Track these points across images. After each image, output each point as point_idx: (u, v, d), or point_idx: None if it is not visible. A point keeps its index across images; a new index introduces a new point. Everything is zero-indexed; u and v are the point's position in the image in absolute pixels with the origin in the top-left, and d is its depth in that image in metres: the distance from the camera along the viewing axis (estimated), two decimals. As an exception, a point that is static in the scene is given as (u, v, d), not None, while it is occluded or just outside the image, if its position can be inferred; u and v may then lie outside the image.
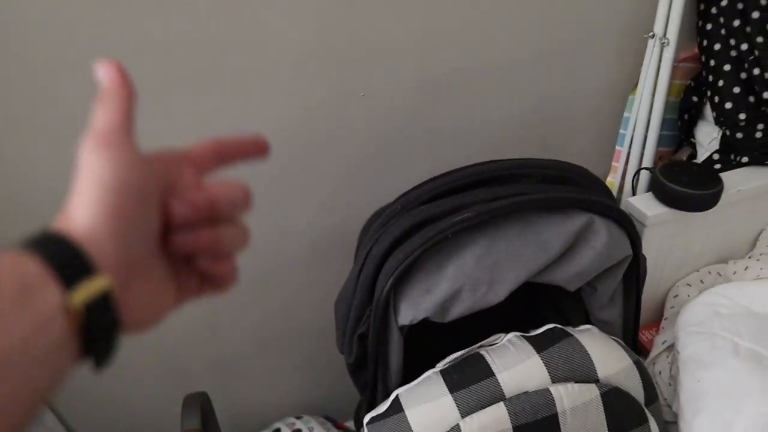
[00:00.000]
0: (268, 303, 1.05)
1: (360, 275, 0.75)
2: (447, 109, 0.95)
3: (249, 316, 1.05)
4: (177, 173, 0.34)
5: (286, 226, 0.98)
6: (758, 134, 0.90)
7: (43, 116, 0.77)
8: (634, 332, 0.88)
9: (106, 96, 0.32)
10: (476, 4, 0.87)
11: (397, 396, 0.74)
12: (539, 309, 0.93)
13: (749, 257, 0.97)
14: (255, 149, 0.40)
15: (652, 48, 0.93)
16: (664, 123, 1.04)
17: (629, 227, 0.77)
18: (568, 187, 0.78)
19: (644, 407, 0.75)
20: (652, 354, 0.92)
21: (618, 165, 1.05)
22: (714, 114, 0.94)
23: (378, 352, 0.77)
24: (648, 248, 0.87)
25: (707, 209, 0.82)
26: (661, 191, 0.83)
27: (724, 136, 0.94)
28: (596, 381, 0.73)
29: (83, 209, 0.29)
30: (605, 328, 0.85)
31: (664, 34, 0.92)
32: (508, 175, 0.78)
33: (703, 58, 0.94)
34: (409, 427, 0.71)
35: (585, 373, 0.73)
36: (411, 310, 0.72)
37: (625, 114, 1.02)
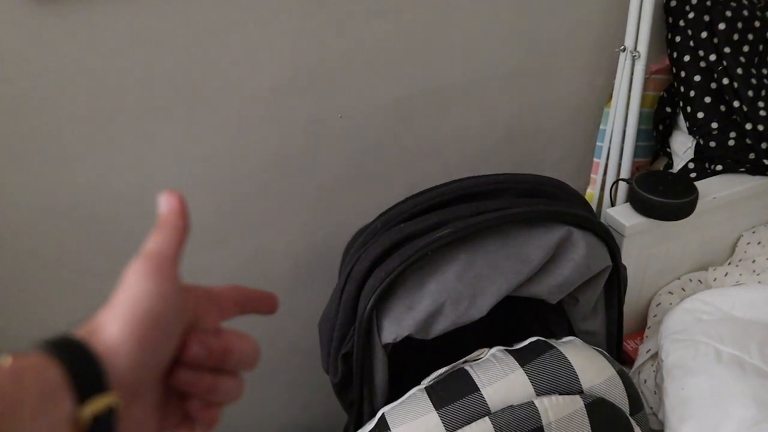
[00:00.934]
0: (252, 322, 1.04)
1: (342, 295, 0.75)
2: (423, 127, 0.96)
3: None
4: (204, 312, 0.35)
5: (268, 246, 0.98)
6: (731, 142, 0.92)
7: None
8: (618, 342, 0.89)
9: (165, 223, 0.34)
10: (448, 24, 0.89)
11: (383, 414, 0.74)
12: (523, 322, 0.94)
13: (728, 263, 0.98)
14: (266, 305, 0.41)
15: (623, 61, 0.95)
16: (640, 134, 1.06)
17: (608, 238, 0.78)
18: (546, 201, 0.79)
19: (629, 417, 0.75)
20: (637, 363, 0.92)
21: (596, 177, 1.06)
22: (687, 124, 0.96)
23: (363, 371, 0.77)
24: (628, 258, 0.88)
25: (684, 218, 0.84)
26: (638, 201, 0.84)
27: (698, 145, 0.95)
28: (580, 392, 0.73)
29: (114, 325, 0.30)
30: (589, 338, 0.86)
31: (635, 47, 0.94)
32: (487, 190, 0.79)
33: (674, 70, 0.96)
34: (396, 445, 0.71)
35: (569, 385, 0.73)
36: (394, 327, 0.73)
37: (601, 126, 1.03)
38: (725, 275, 0.94)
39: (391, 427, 0.72)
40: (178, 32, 0.76)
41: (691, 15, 0.92)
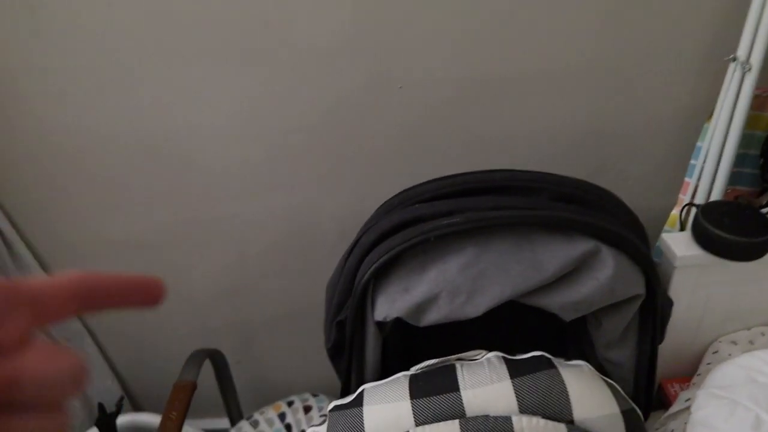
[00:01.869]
0: (295, 278, 1.07)
1: (346, 262, 0.75)
2: (489, 114, 0.91)
3: (275, 287, 1.08)
4: (3, 314, 0.23)
5: (314, 205, 0.99)
6: None
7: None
8: (649, 381, 0.79)
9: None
10: (535, 3, 0.83)
11: (362, 390, 0.73)
12: (550, 338, 0.87)
13: (818, 326, 0.83)
14: (143, 296, 0.29)
15: (732, 72, 0.83)
16: (747, 159, 0.92)
17: (644, 263, 0.69)
18: (580, 209, 0.71)
19: (623, 463, 0.67)
20: (672, 410, 0.82)
21: (684, 198, 0.94)
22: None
23: (353, 343, 0.76)
24: (679, 291, 0.78)
25: (750, 260, 0.72)
26: (699, 232, 0.74)
27: (806, 182, 0.81)
28: (570, 422, 0.67)
29: None
30: (613, 369, 0.78)
31: (747, 59, 0.81)
32: (518, 186, 0.73)
33: (798, 92, 0.82)
34: (362, 423, 0.69)
35: (558, 411, 0.67)
36: (387, 306, 0.71)
37: (698, 143, 0.91)
38: (806, 338, 0.80)
39: (364, 403, 0.71)
40: (242, -19, 0.78)
41: (825, 28, 0.77)
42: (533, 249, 0.69)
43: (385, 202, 0.78)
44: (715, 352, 0.84)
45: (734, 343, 0.84)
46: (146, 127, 0.91)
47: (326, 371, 1.22)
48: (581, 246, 0.68)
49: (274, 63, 0.85)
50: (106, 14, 0.80)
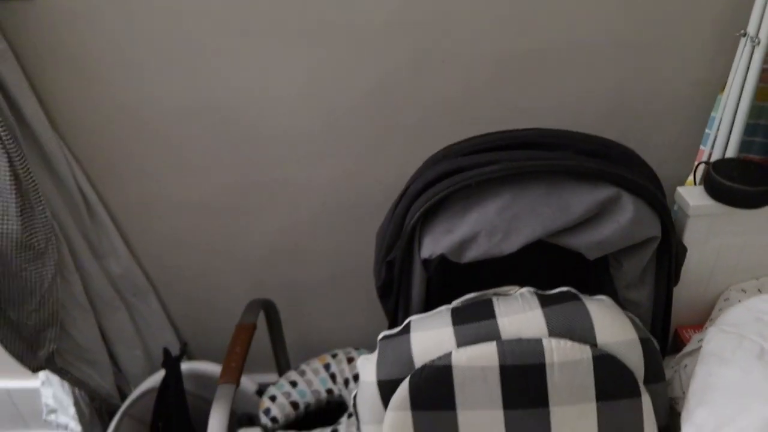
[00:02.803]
0: (341, 240, 1.18)
1: (396, 209, 0.85)
2: (522, 88, 1.01)
3: (327, 247, 1.19)
4: None
5: (364, 174, 1.10)
6: None
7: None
8: (665, 319, 0.88)
9: None
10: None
11: (409, 321, 0.83)
12: (573, 281, 0.96)
13: (824, 277, 0.91)
14: None
15: (743, 47, 0.92)
16: (759, 129, 1.01)
17: (660, 208, 0.79)
18: (603, 161, 0.81)
19: (640, 383, 0.76)
20: (686, 349, 0.91)
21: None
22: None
23: (401, 281, 0.86)
24: (693, 241, 0.87)
25: (756, 207, 0.80)
26: (710, 184, 0.83)
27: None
28: (594, 345, 0.76)
29: None
30: (633, 309, 0.87)
31: (757, 34, 0.90)
32: (549, 142, 0.83)
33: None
34: (410, 346, 0.79)
35: (583, 335, 0.76)
36: (432, 245, 0.81)
37: (712, 114, 1.00)
38: (810, 285, 0.89)
39: (411, 331, 0.81)
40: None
41: (827, 4, 0.86)
42: (561, 194, 0.79)
43: (430, 156, 0.88)
44: (726, 299, 0.93)
45: (743, 291, 0.92)
46: (213, 98, 1.02)
47: (367, 330, 1.32)
48: (604, 192, 0.78)
49: (333, 41, 0.96)
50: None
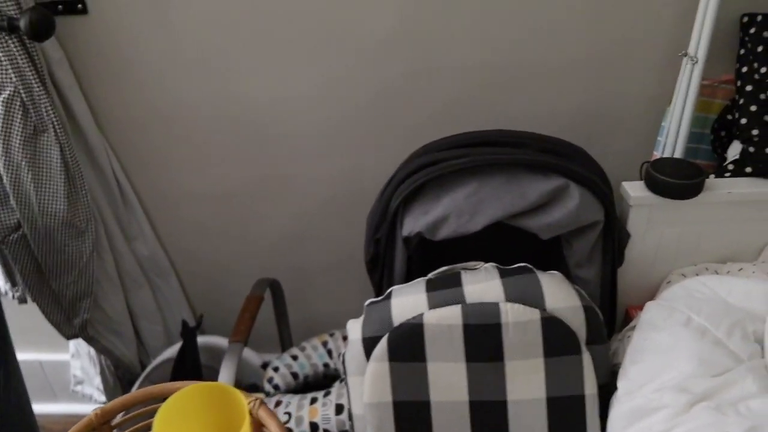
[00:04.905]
0: (343, 230, 1.34)
1: (383, 194, 1.01)
2: (501, 96, 1.17)
3: (330, 236, 1.35)
4: None
5: (365, 170, 1.26)
6: (768, 150, 1.00)
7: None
8: (612, 294, 1.02)
9: None
10: (531, 6, 1.09)
11: (391, 290, 0.98)
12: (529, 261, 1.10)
13: (753, 264, 1.05)
14: None
15: (684, 65, 1.07)
16: (703, 138, 1.16)
17: (602, 196, 0.93)
18: (556, 157, 0.96)
19: (582, 343, 0.90)
20: (631, 324, 1.05)
21: (653, 168, 1.18)
22: (736, 130, 1.05)
23: (386, 256, 1.01)
24: (636, 229, 1.01)
25: (686, 198, 0.95)
26: (648, 179, 0.98)
27: (742, 150, 1.04)
28: (543, 309, 0.90)
29: None
30: (583, 285, 1.01)
31: (695, 53, 1.05)
32: (511, 141, 0.99)
33: (736, 80, 1.06)
34: (390, 309, 0.94)
35: (534, 301, 0.91)
36: (411, 224, 0.96)
37: (663, 123, 1.15)
38: (739, 270, 1.02)
39: (392, 297, 0.96)
40: (313, -11, 1.07)
41: (752, 30, 1.01)
42: (519, 183, 0.94)
43: (413, 152, 1.04)
44: (668, 282, 1.07)
45: (683, 275, 1.06)
46: (234, 101, 1.19)
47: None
48: (555, 182, 0.93)
49: (340, 52, 1.13)
50: (212, 10, 1.09)
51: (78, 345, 1.47)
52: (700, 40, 1.04)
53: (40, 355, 1.59)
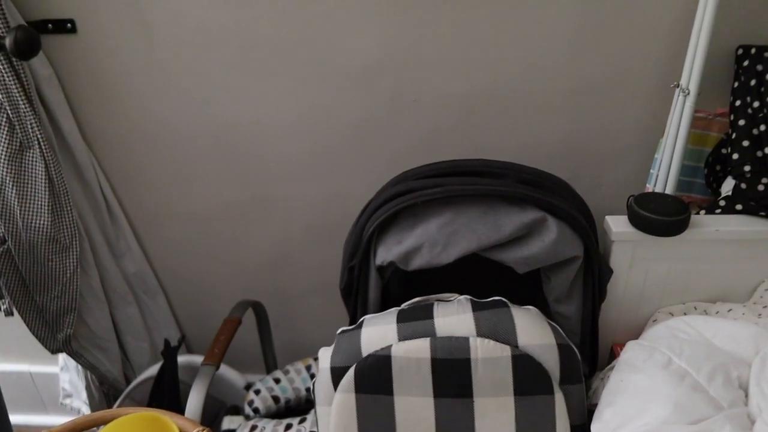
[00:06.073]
0: (326, 254, 1.32)
1: (358, 221, 0.99)
2: (485, 125, 1.14)
3: (313, 258, 1.33)
4: None
5: (346, 195, 1.25)
6: (760, 187, 0.96)
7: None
8: (593, 331, 0.99)
9: None
10: (520, 36, 1.07)
11: (363, 319, 0.96)
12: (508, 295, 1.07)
13: (743, 305, 1.01)
14: None
15: (676, 97, 1.04)
16: (698, 172, 1.12)
17: (581, 230, 0.90)
18: (534, 189, 0.93)
19: (555, 383, 0.87)
20: (613, 363, 1.01)
21: (646, 201, 1.14)
22: (728, 166, 1.01)
23: (360, 284, 0.99)
24: (619, 265, 0.98)
25: (670, 235, 0.91)
26: (631, 214, 0.94)
27: (734, 186, 1.00)
28: (514, 345, 0.88)
29: None
30: (562, 322, 0.98)
31: (687, 85, 1.02)
32: (491, 171, 0.96)
33: (732, 116, 1.02)
34: (359, 339, 0.92)
35: (506, 337, 0.88)
36: (384, 253, 0.94)
37: (656, 155, 1.12)
38: (728, 310, 0.98)
39: (363, 327, 0.94)
40: (297, 14, 1.06)
41: (746, 63, 0.98)
42: (495, 215, 0.91)
43: (389, 180, 1.03)
44: (655, 320, 1.03)
45: (671, 314, 1.02)
46: (218, 124, 1.19)
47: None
48: (532, 215, 0.90)
49: (322, 82, 1.12)
50: (199, 34, 1.09)
51: (67, 359, 1.47)
52: (692, 72, 1.01)
53: (31, 367, 1.60)
